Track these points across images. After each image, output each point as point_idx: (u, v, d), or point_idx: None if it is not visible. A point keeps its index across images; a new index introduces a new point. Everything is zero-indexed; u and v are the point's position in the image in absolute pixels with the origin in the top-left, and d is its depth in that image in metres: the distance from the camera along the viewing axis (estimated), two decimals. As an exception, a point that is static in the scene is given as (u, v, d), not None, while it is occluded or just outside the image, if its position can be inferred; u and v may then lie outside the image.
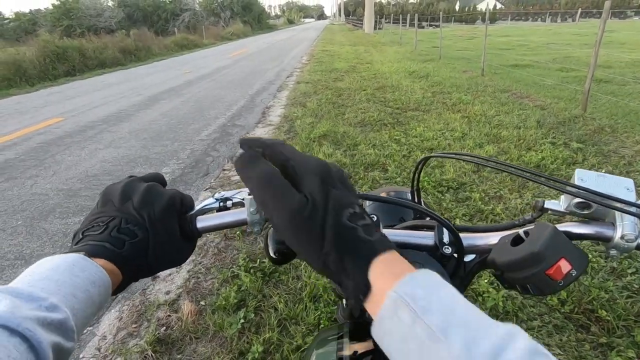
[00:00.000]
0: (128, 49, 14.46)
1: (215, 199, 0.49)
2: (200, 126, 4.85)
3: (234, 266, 2.06)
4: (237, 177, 3.26)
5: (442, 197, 2.68)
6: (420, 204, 0.70)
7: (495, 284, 1.80)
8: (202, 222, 0.44)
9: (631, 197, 0.40)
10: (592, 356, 1.46)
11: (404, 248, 0.51)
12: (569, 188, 0.42)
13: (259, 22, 42.17)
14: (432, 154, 0.58)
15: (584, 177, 0.43)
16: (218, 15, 34.64)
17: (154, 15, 29.60)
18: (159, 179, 0.44)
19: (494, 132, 3.96)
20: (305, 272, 1.94)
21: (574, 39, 14.89)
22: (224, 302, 1.76)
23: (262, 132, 4.53)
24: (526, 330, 1.59)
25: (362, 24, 31.11)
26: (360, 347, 0.54)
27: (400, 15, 20.75)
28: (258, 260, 2.05)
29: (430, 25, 27.16)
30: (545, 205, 0.46)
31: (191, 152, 3.91)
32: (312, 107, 5.37)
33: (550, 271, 0.39)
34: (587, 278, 1.82)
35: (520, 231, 0.45)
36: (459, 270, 0.53)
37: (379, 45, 15.26)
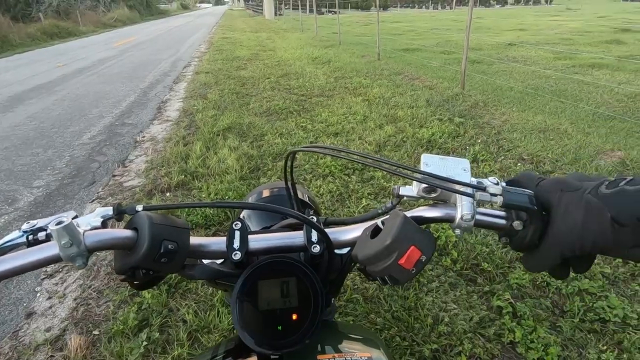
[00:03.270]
0: (-25, 39, 11.77)
1: (23, 231, 0.38)
2: (81, 128, 4.20)
3: (133, 283, 1.83)
4: (132, 183, 2.91)
5: (349, 179, 2.78)
6: (297, 196, 0.67)
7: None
8: None
9: (466, 177, 0.41)
10: (479, 304, 1.67)
11: (276, 252, 0.48)
12: (415, 175, 0.43)
13: (147, 6, 38.05)
14: (296, 148, 0.55)
15: (428, 162, 0.43)
16: (96, -1, 30.21)
17: (9, -3, 24.44)
18: None
19: (392, 113, 4.25)
20: (216, 275, 1.83)
21: (452, 24, 16.73)
22: (122, 326, 1.56)
23: (158, 130, 4.12)
24: (427, 292, 1.74)
25: (262, 9, 30.39)
26: None
27: (300, 1, 20.77)
28: (161, 272, 1.85)
29: (329, 12, 27.88)
30: (401, 192, 0.46)
31: (71, 159, 3.36)
32: (213, 98, 5.07)
33: (402, 261, 0.38)
34: (472, 237, 2.08)
35: (379, 221, 0.45)
36: (333, 266, 0.51)
37: (280, 32, 15.09)
